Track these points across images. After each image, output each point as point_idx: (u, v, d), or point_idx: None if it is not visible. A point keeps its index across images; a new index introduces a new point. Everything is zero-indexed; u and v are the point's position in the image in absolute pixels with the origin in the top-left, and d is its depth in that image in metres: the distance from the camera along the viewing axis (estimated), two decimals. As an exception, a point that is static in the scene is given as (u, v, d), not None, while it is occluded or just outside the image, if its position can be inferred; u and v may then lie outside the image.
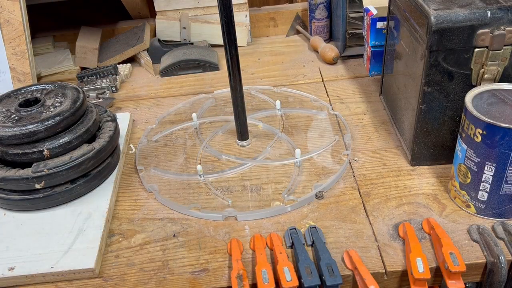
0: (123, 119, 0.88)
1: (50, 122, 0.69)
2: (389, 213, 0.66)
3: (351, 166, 0.75)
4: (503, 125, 0.54)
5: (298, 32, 1.23)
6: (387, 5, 0.81)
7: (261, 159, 0.78)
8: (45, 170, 0.68)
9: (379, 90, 0.92)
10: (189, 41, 1.18)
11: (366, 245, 0.61)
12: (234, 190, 0.72)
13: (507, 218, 0.62)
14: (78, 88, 0.77)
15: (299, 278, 0.55)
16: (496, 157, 0.57)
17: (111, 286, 0.59)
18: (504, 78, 0.64)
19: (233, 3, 0.67)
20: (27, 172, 0.68)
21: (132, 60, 1.15)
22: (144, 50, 1.14)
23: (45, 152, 0.69)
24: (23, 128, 0.68)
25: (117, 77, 1.05)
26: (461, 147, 0.61)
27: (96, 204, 0.70)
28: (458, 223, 0.63)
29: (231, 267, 0.59)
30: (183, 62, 1.07)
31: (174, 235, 0.66)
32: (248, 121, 0.81)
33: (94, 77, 1.04)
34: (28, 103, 0.74)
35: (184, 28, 1.17)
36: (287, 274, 0.54)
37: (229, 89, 0.75)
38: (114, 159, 0.77)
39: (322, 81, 1.00)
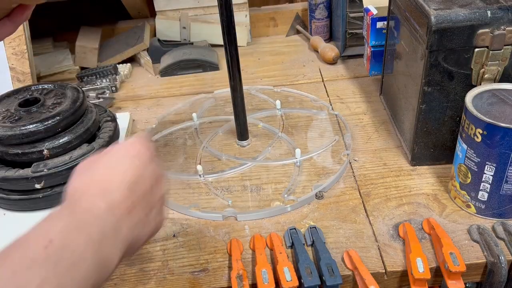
0: (123, 119, 0.88)
1: (49, 122, 0.69)
2: (389, 213, 0.65)
3: (351, 166, 0.75)
4: (503, 125, 0.54)
5: (298, 32, 1.23)
6: (387, 5, 0.81)
7: (261, 159, 0.78)
8: (45, 170, 0.68)
9: (379, 90, 0.92)
10: (189, 41, 1.18)
11: (366, 245, 0.61)
12: (234, 190, 0.72)
13: (507, 218, 0.62)
14: (78, 88, 0.77)
15: (299, 278, 0.55)
16: (496, 157, 0.57)
17: (111, 286, 0.59)
18: (504, 78, 0.64)
19: (233, 3, 0.67)
20: (27, 172, 0.68)
21: (132, 60, 1.15)
22: (144, 50, 1.14)
23: (45, 152, 0.69)
24: (23, 128, 0.68)
25: (117, 77, 1.05)
26: (461, 147, 0.61)
27: (96, 204, 0.70)
28: (458, 223, 0.63)
29: (231, 267, 0.59)
30: (183, 62, 1.07)
31: (174, 235, 0.66)
32: (248, 121, 0.81)
33: (94, 77, 1.04)
34: (27, 103, 0.74)
35: (184, 28, 1.17)
36: (287, 274, 0.54)
37: (229, 89, 0.75)
38: (114, 159, 0.76)
39: (322, 81, 1.00)
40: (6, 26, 0.53)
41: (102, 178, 0.43)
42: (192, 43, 1.17)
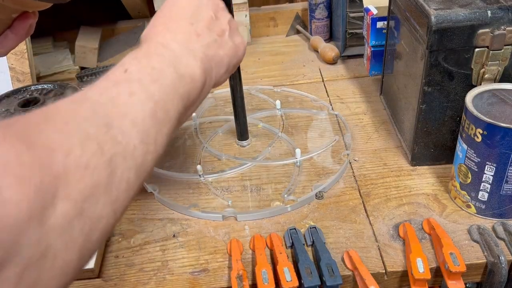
0: (123, 119, 0.88)
1: (49, 122, 0.69)
2: (389, 213, 0.65)
3: (351, 166, 0.75)
4: (504, 125, 0.54)
5: (298, 32, 1.23)
6: (387, 4, 0.81)
7: (261, 159, 0.78)
8: (44, 170, 0.67)
9: (379, 90, 0.92)
10: (189, 41, 1.18)
11: (366, 245, 0.61)
12: (234, 190, 0.72)
13: (507, 218, 0.62)
14: (78, 88, 0.77)
15: (299, 278, 0.54)
16: (496, 157, 0.57)
17: (111, 286, 0.59)
18: (504, 78, 0.64)
19: (233, 3, 0.67)
20: (26, 172, 0.68)
21: (132, 60, 1.14)
22: (144, 50, 1.14)
23: (45, 152, 0.69)
24: (23, 128, 0.68)
25: (117, 77, 1.04)
26: (461, 147, 0.61)
27: (95, 204, 0.70)
28: (458, 223, 0.63)
29: (231, 268, 0.59)
30: (183, 62, 1.07)
31: (174, 235, 0.65)
32: (248, 121, 0.81)
33: (94, 77, 1.04)
34: (27, 103, 0.74)
35: (184, 28, 1.17)
36: (287, 275, 0.54)
37: (229, 89, 0.75)
38: (113, 159, 0.76)
39: (322, 81, 1.00)
40: (8, 39, 0.52)
41: (163, 17, 0.44)
42: (192, 43, 1.17)
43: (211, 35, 0.44)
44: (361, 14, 1.00)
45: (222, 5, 0.49)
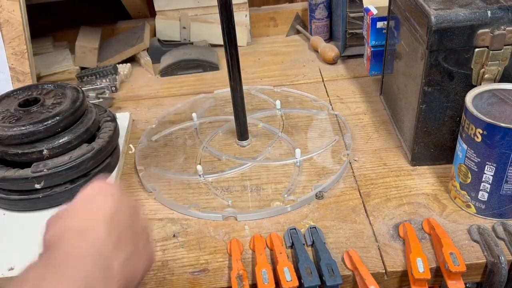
0: (123, 119, 0.88)
1: (49, 122, 0.69)
2: (389, 213, 0.65)
3: (351, 166, 0.75)
4: (503, 125, 0.54)
5: (298, 32, 1.23)
6: (387, 5, 0.81)
7: (261, 159, 0.78)
8: (44, 170, 0.68)
9: (379, 90, 0.92)
10: (189, 41, 1.18)
11: (366, 245, 0.61)
12: (234, 190, 0.72)
13: (507, 218, 0.62)
14: (78, 88, 0.77)
15: (299, 278, 0.55)
16: (496, 157, 0.57)
17: (111, 286, 0.59)
18: (504, 78, 0.64)
19: (233, 3, 0.67)
20: (26, 172, 0.68)
21: (132, 60, 1.15)
22: (144, 50, 1.14)
23: (45, 152, 0.69)
24: (23, 128, 0.68)
25: (117, 77, 1.05)
26: (461, 147, 0.61)
27: (95, 204, 0.70)
28: (458, 223, 0.63)
29: (231, 267, 0.59)
30: (183, 62, 1.07)
31: (174, 235, 0.65)
32: (248, 121, 0.81)
33: (94, 77, 1.04)
34: (27, 103, 0.74)
35: (184, 28, 1.17)
36: (287, 275, 0.54)
37: (229, 89, 0.75)
38: (113, 159, 0.76)
39: (322, 81, 1.00)
40: None
41: (78, 221, 0.39)
42: (192, 43, 1.17)
43: (129, 246, 0.40)
44: (361, 14, 1.00)
45: (138, 209, 0.45)
